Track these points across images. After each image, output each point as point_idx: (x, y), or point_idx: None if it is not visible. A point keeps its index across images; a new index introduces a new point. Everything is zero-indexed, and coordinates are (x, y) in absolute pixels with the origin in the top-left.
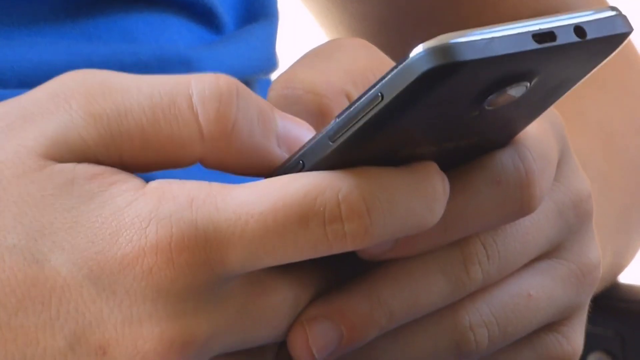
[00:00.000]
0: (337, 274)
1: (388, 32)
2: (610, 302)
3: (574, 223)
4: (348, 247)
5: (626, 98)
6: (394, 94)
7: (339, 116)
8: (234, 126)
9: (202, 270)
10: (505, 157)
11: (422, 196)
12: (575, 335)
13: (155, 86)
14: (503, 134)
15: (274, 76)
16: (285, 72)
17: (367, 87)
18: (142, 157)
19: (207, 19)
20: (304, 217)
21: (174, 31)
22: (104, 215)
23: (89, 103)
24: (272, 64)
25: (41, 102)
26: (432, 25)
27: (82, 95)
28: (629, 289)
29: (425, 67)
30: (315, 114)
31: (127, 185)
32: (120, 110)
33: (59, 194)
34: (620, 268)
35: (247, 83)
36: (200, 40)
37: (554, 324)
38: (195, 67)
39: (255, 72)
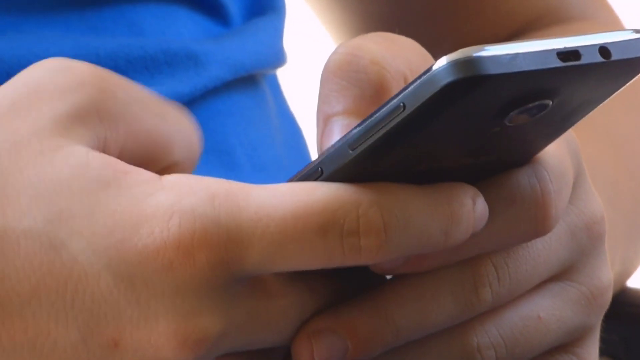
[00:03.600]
0: (345, 284)
1: (390, 31)
2: (614, 307)
3: (586, 245)
4: (361, 261)
5: (634, 103)
6: (417, 105)
7: (359, 125)
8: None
9: (219, 268)
10: (522, 177)
11: (439, 219)
12: (590, 357)
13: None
14: (522, 153)
15: (280, 72)
16: (351, 40)
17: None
18: (138, 149)
19: (214, 11)
20: (324, 227)
21: (181, 24)
22: (124, 204)
23: (101, 79)
24: (279, 58)
25: (46, 79)
26: (433, 25)
27: (94, 73)
28: (634, 293)
29: (448, 79)
30: (376, 85)
31: (143, 177)
32: (131, 96)
33: (76, 176)
34: (628, 275)
35: (253, 78)
36: (207, 33)
37: (567, 345)
38: (202, 61)
39: (262, 66)
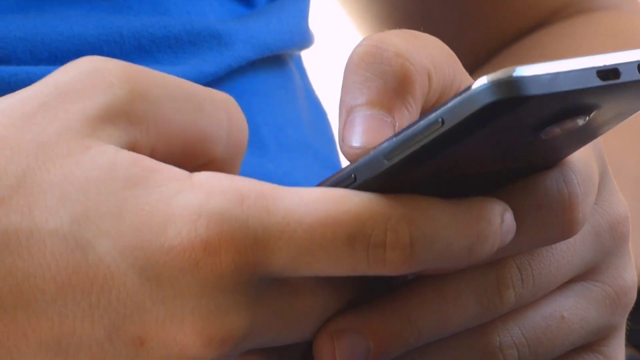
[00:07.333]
0: (368, 284)
1: (414, 21)
2: (639, 296)
3: (610, 245)
4: (385, 272)
5: None
6: (455, 122)
7: (396, 135)
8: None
9: (245, 270)
10: (549, 181)
11: (465, 237)
12: (617, 356)
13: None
14: (551, 158)
15: (305, 53)
16: (375, 34)
17: (441, 77)
18: (170, 149)
19: None
20: (351, 237)
21: (205, 3)
22: (151, 203)
23: (131, 80)
24: (305, 38)
25: (75, 81)
26: (458, 16)
27: (124, 74)
28: None
29: (489, 99)
30: (399, 78)
31: (171, 174)
32: (164, 94)
33: (103, 176)
34: None
35: (279, 58)
36: (232, 14)
37: (593, 345)
38: (226, 41)
39: (287, 46)
